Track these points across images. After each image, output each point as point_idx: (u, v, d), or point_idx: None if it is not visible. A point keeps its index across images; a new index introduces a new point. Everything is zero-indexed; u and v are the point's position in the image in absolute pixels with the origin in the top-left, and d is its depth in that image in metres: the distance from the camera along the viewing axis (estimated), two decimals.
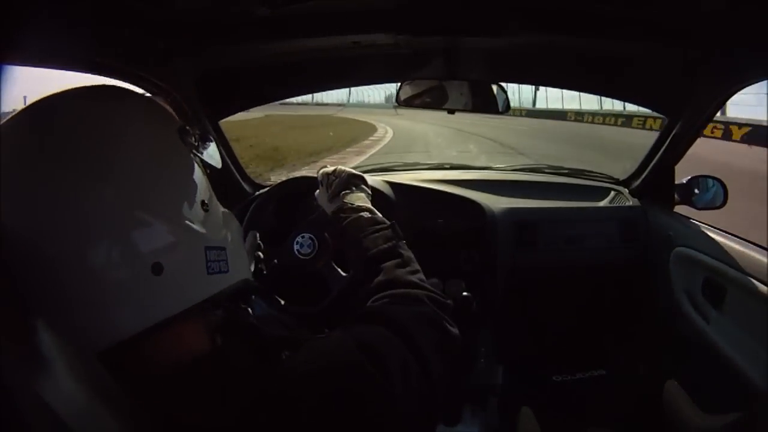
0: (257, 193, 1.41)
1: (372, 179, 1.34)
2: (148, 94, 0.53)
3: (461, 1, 0.81)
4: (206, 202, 0.49)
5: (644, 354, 1.44)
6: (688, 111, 1.17)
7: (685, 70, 1.04)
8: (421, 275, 0.66)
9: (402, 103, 1.20)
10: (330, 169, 0.87)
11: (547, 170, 1.74)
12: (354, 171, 0.85)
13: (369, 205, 0.78)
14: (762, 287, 0.95)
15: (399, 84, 1.21)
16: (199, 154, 0.51)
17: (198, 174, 0.50)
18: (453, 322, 0.59)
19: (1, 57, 0.47)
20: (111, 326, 0.39)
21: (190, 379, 0.41)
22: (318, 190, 0.88)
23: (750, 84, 0.98)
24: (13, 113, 0.44)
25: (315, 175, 1.26)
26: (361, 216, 0.74)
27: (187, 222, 0.45)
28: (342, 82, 1.43)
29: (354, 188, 0.82)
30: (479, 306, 1.25)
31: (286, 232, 1.09)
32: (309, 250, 1.06)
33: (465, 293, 1.25)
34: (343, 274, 1.02)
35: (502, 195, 1.45)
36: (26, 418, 0.28)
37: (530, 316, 1.49)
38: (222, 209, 0.54)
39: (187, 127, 0.51)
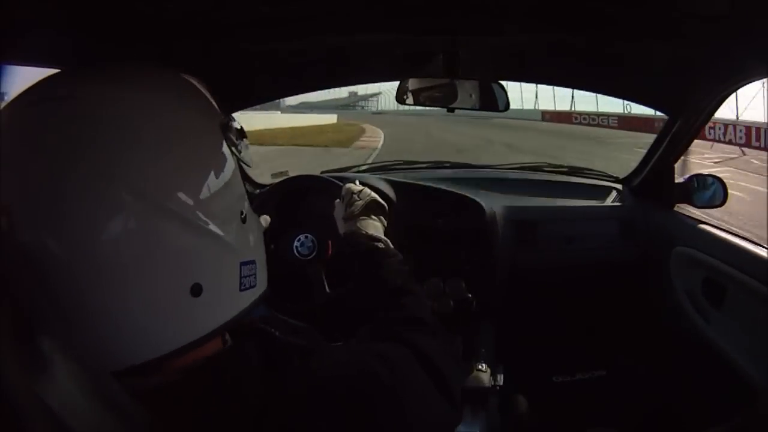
0: (258, 192, 1.41)
1: (372, 178, 1.34)
2: (188, 78, 0.48)
3: (462, 1, 0.80)
4: (244, 211, 0.45)
5: (644, 354, 1.44)
6: (688, 109, 1.17)
7: (685, 69, 1.04)
8: (430, 312, 0.65)
9: (405, 99, 1.19)
10: (357, 188, 0.85)
11: (547, 168, 1.74)
12: (379, 199, 0.83)
13: (383, 236, 0.76)
14: (762, 287, 0.95)
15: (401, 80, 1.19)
16: (238, 154, 0.46)
17: (239, 180, 0.46)
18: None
19: (1, 57, 0.47)
20: (136, 349, 0.37)
21: (199, 381, 0.39)
22: (337, 202, 0.87)
23: (749, 82, 0.98)
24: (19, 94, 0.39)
25: (316, 175, 1.27)
26: (377, 246, 0.73)
27: (227, 237, 0.42)
28: (341, 81, 1.43)
29: (373, 216, 0.80)
30: (479, 306, 1.25)
31: (286, 231, 1.09)
32: (307, 252, 1.07)
33: (465, 293, 1.25)
34: (327, 290, 1.04)
35: (502, 194, 1.45)
36: (33, 427, 0.27)
37: (530, 316, 1.49)
38: (252, 211, 0.49)
39: (230, 122, 0.46)
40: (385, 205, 0.83)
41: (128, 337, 0.37)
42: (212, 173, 0.42)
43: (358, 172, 1.61)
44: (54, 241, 0.35)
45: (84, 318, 0.36)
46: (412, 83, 1.18)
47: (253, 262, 0.46)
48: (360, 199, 0.81)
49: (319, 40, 0.94)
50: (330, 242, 1.06)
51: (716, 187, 1.29)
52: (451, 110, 1.21)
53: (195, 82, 0.47)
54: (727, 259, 1.07)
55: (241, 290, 0.43)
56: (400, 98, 1.19)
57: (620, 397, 1.40)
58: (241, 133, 0.48)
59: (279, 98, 1.46)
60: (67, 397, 0.30)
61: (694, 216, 1.29)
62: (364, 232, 0.75)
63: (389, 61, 1.24)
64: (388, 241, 0.75)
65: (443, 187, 1.36)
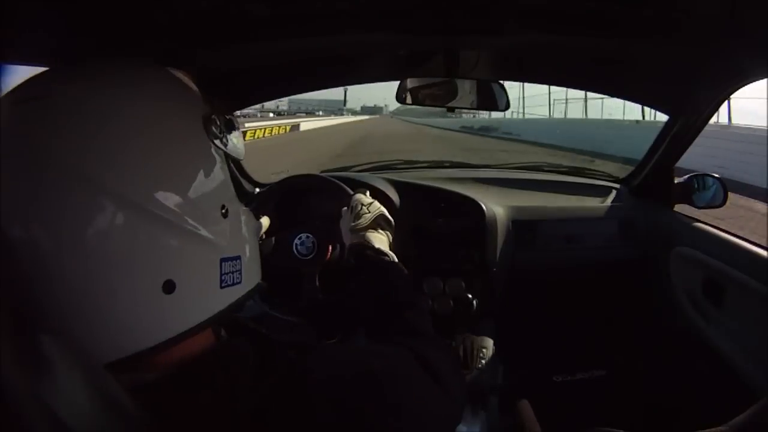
0: (257, 191, 1.41)
1: (372, 178, 1.34)
2: (173, 70, 0.47)
3: (462, 1, 0.80)
4: (226, 206, 0.44)
5: (644, 354, 1.44)
6: (688, 109, 1.17)
7: (685, 69, 1.04)
8: (431, 327, 0.65)
9: (404, 98, 1.19)
10: (367, 200, 0.84)
11: (546, 168, 1.74)
12: (387, 214, 0.83)
13: (389, 250, 0.76)
14: (762, 287, 0.95)
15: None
16: (223, 148, 0.46)
17: (221, 173, 0.45)
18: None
19: (1, 57, 0.47)
20: (114, 343, 0.37)
21: (189, 377, 0.39)
22: (344, 210, 0.86)
23: (750, 83, 0.98)
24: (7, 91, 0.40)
25: (317, 174, 1.27)
26: (383, 259, 0.73)
27: (204, 232, 0.41)
28: (340, 80, 1.43)
29: (380, 230, 0.80)
30: (479, 305, 1.25)
31: (286, 229, 1.09)
32: (306, 252, 1.08)
33: (465, 293, 1.25)
34: (319, 293, 1.04)
35: (502, 193, 1.45)
36: (32, 425, 0.27)
37: (530, 316, 1.49)
38: (240, 207, 0.48)
39: (213, 116, 0.45)
40: (392, 220, 0.83)
41: (104, 332, 0.37)
42: (186, 168, 0.41)
43: (359, 171, 1.61)
44: (31, 238, 0.36)
45: (64, 311, 0.36)
46: (412, 82, 1.18)
47: (237, 258, 0.44)
48: (369, 212, 0.81)
49: (318, 40, 0.94)
50: (330, 246, 1.06)
51: (716, 188, 1.29)
52: (451, 110, 1.22)
53: (181, 75, 0.47)
54: (727, 258, 1.07)
55: (222, 287, 0.42)
56: (399, 97, 1.19)
57: (620, 397, 1.40)
58: (230, 125, 0.47)
59: (277, 98, 1.45)
60: (66, 395, 0.30)
61: (693, 216, 1.29)
62: (370, 245, 0.75)
63: (389, 61, 1.23)
64: (394, 255, 0.75)
65: (443, 186, 1.36)
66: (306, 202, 1.24)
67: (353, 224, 0.80)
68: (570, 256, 1.41)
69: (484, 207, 1.30)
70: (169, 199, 0.39)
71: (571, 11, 0.80)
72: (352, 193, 0.93)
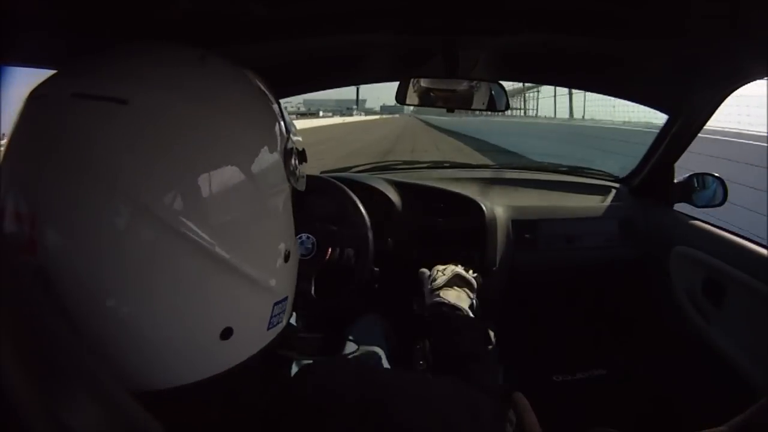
0: None
1: (372, 179, 1.34)
2: (259, 81, 0.42)
3: (462, 1, 0.80)
4: (289, 249, 0.42)
5: (644, 354, 1.44)
6: (688, 109, 1.17)
7: (685, 68, 1.04)
8: (497, 380, 0.68)
9: (404, 99, 1.18)
10: (442, 267, 0.88)
11: (547, 168, 1.74)
12: (463, 273, 0.86)
13: (465, 307, 0.80)
14: (762, 286, 0.95)
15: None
16: (294, 184, 0.41)
17: (290, 214, 0.42)
18: None
19: (1, 57, 0.47)
20: (158, 376, 0.36)
21: (202, 384, 0.39)
22: (422, 274, 0.90)
23: (749, 82, 0.98)
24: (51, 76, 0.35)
25: (316, 175, 1.27)
26: (457, 314, 0.77)
27: (265, 279, 0.39)
28: (340, 81, 1.43)
29: (456, 287, 0.84)
30: (479, 306, 1.25)
31: None
32: (306, 252, 1.07)
33: None
34: (313, 294, 1.04)
35: (502, 193, 1.45)
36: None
37: (530, 316, 1.49)
38: (296, 244, 0.45)
39: (294, 147, 0.40)
40: (472, 280, 0.87)
41: (151, 366, 0.35)
42: (261, 213, 0.38)
43: (358, 172, 1.61)
44: (81, 254, 0.33)
45: (104, 340, 0.34)
46: (412, 83, 1.17)
47: (286, 299, 0.43)
48: (444, 275, 0.85)
49: (318, 40, 0.94)
50: (329, 248, 1.06)
51: (716, 187, 1.29)
52: (450, 110, 1.21)
53: (264, 89, 0.42)
54: (727, 257, 1.07)
55: (268, 329, 0.41)
56: (400, 98, 1.19)
57: (620, 397, 1.40)
58: (302, 156, 0.43)
59: (278, 99, 1.44)
60: (87, 417, 0.29)
61: (693, 215, 1.29)
62: (446, 301, 0.79)
63: (389, 61, 1.23)
64: (469, 312, 0.79)
65: (443, 187, 1.36)
66: (306, 203, 1.24)
67: (430, 286, 0.84)
68: (570, 255, 1.41)
69: (484, 207, 1.30)
70: (241, 248, 0.36)
71: (571, 11, 0.80)
72: (356, 200, 0.98)
